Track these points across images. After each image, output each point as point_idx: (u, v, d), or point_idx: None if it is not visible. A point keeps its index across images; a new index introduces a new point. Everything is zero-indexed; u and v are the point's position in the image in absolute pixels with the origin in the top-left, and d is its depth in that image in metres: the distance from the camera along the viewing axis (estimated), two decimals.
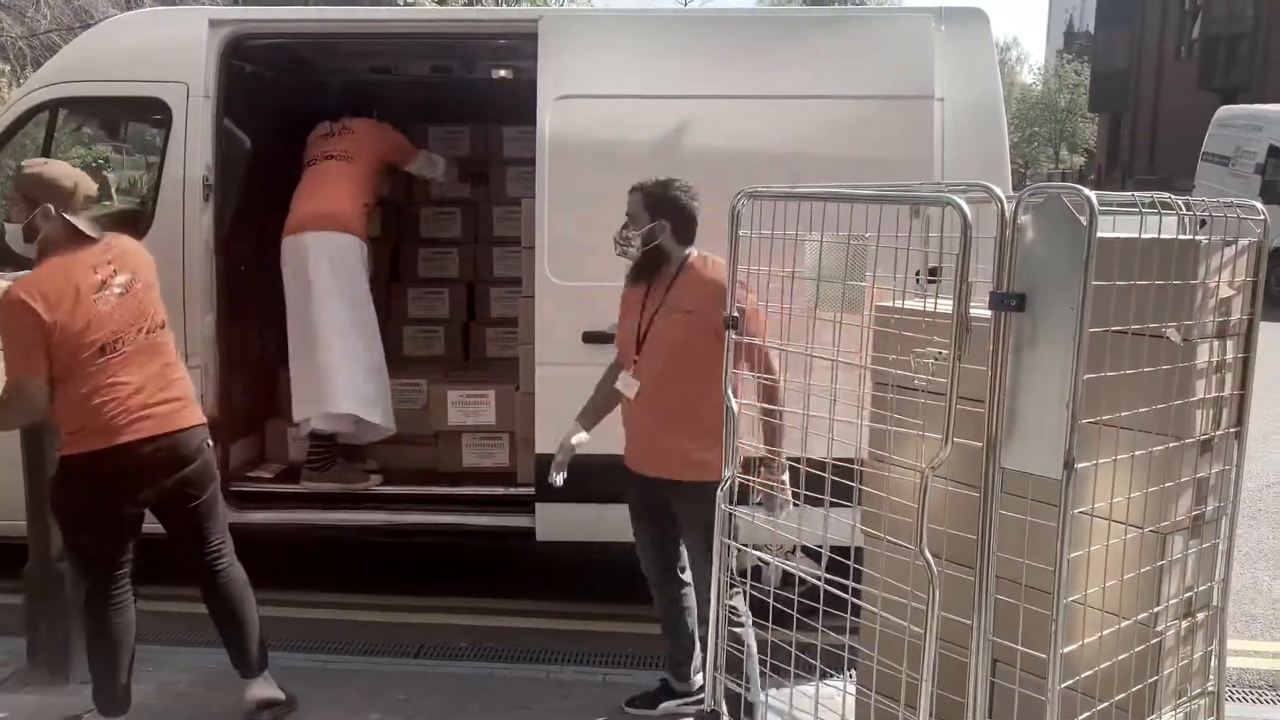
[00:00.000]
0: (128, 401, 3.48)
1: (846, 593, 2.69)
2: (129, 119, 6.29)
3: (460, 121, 6.41)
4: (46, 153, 5.13)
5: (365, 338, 5.33)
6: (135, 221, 5.12)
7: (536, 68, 4.63)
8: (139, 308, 3.55)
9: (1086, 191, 2.27)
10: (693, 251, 3.61)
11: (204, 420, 3.75)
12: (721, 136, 4.52)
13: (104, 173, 20.01)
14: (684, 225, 3.60)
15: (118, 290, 3.50)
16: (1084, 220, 2.23)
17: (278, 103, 5.96)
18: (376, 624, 4.99)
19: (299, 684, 4.07)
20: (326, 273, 5.19)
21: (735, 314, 2.98)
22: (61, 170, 3.58)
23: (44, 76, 5.13)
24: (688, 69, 4.62)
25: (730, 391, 3.00)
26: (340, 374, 5.22)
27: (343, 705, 4.07)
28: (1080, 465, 2.29)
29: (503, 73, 6.13)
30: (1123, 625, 2.57)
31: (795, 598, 2.85)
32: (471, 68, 6.22)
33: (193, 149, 4.81)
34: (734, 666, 3.12)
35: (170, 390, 3.60)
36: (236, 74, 5.13)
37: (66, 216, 3.49)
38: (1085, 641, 2.50)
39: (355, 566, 5.69)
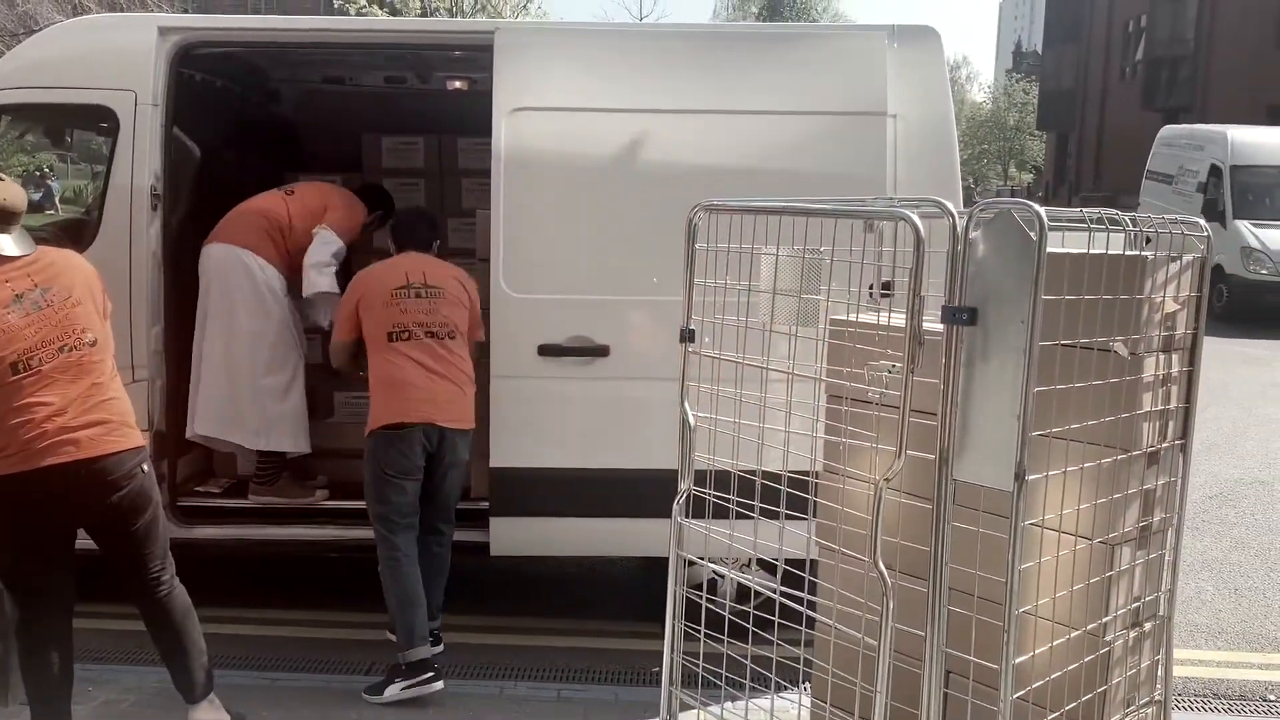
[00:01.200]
0: (45, 424, 3.33)
1: (801, 605, 2.70)
2: (75, 127, 6.13)
3: (415, 132, 6.37)
4: None
5: (246, 358, 5.04)
6: (80, 231, 5.02)
7: (491, 79, 4.62)
8: (60, 323, 3.42)
9: (1037, 207, 2.30)
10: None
11: (139, 443, 3.59)
12: (676, 150, 4.54)
13: (48, 181, 19.65)
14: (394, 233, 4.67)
15: (33, 304, 3.39)
16: (1034, 235, 2.26)
17: (228, 112, 5.87)
18: (328, 640, 4.92)
19: (249, 703, 4.00)
20: (210, 287, 5.02)
21: (692, 327, 2.98)
22: None
23: None
24: (643, 83, 4.62)
25: (686, 404, 3.00)
26: (199, 394, 5.04)
27: None
28: (1031, 477, 2.31)
29: (458, 84, 6.11)
30: (1072, 635, 2.60)
31: (750, 610, 2.85)
32: (426, 78, 6.18)
33: (140, 158, 4.71)
34: (689, 681, 3.11)
35: (97, 412, 3.44)
36: (186, 82, 5.05)
37: None
38: (1036, 652, 2.53)
39: (305, 582, 5.60)
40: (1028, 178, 51.44)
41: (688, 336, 2.96)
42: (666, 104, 4.60)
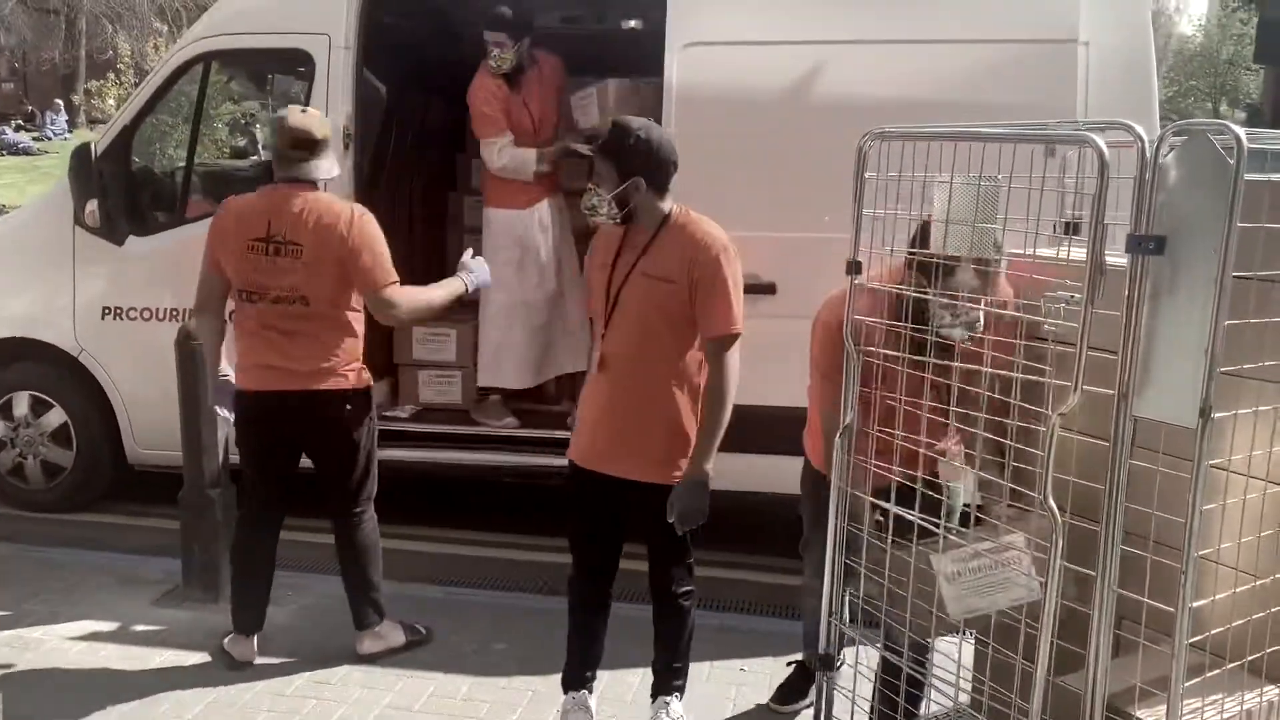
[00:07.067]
0: None
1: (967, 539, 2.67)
2: (276, 71, 6.51)
3: (592, 74, 6.42)
4: (200, 106, 5.38)
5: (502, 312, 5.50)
6: None
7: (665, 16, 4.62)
8: None
9: (1236, 129, 2.15)
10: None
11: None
12: (855, 83, 4.43)
13: (252, 129, 20.85)
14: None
15: None
16: (1231, 160, 2.12)
17: (415, 54, 6.09)
18: (505, 561, 5.20)
19: (429, 614, 4.28)
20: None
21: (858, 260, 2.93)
22: None
23: (197, 31, 5.36)
24: (821, 13, 4.54)
25: (850, 339, 2.97)
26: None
27: (474, 635, 4.24)
28: (1217, 415, 2.19)
29: (633, 23, 6.13)
30: (1257, 584, 2.47)
31: (914, 545, 2.83)
32: (602, 18, 6.24)
33: (335, 99, 4.96)
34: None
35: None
36: (377, 25, 5.28)
37: None
38: (1216, 597, 2.41)
39: (482, 504, 5.88)
40: (1241, 116, 47.40)
41: (854, 268, 2.92)
42: (845, 35, 4.50)
